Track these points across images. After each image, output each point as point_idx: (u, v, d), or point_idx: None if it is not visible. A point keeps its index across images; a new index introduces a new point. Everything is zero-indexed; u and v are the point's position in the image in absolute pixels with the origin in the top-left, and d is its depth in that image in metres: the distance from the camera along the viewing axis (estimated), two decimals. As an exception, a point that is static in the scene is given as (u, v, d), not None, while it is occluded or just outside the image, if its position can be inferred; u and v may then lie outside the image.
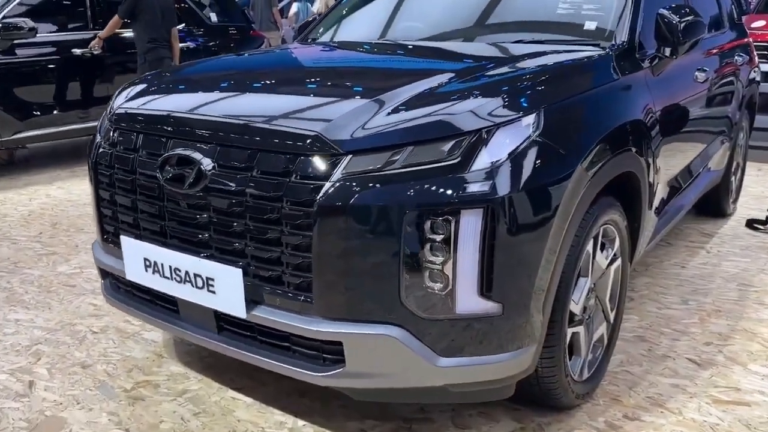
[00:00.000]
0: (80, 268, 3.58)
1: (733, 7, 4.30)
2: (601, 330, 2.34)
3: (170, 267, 1.99)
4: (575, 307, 2.08)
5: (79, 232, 4.21)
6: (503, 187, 1.70)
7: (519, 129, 1.79)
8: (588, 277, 2.15)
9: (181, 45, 7.05)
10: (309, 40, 3.28)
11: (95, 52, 5.95)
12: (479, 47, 2.65)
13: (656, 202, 2.71)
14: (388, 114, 1.80)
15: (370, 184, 1.69)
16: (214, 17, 7.65)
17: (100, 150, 2.22)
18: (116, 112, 2.23)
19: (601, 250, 2.23)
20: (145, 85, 2.38)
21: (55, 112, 5.92)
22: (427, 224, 1.68)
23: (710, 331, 2.82)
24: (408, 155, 1.71)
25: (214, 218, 1.88)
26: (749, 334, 2.78)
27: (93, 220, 2.37)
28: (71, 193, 5.24)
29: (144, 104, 2.20)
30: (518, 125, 1.80)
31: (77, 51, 5.90)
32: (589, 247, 2.10)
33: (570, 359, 2.15)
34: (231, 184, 1.83)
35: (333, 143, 1.73)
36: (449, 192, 1.68)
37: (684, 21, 2.56)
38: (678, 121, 2.87)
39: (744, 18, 4.72)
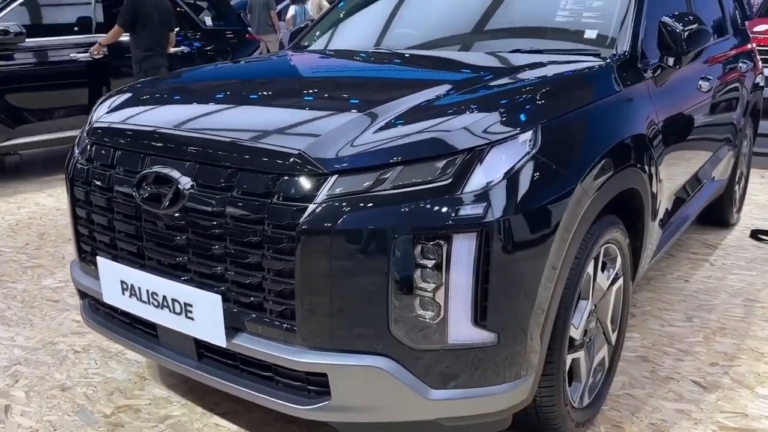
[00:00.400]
0: (65, 282, 3.47)
1: (736, 12, 4.20)
2: (603, 353, 2.23)
3: (147, 291, 1.88)
4: (575, 331, 1.98)
5: (67, 243, 4.10)
6: (498, 209, 1.60)
7: (515, 147, 1.69)
8: (588, 299, 2.04)
9: (176, 49, 6.97)
10: (302, 47, 3.17)
11: (95, 57, 5.86)
12: (475, 57, 2.54)
13: (660, 215, 2.61)
14: (377, 131, 1.70)
15: (357, 206, 1.59)
16: (209, 21, 7.55)
17: (77, 165, 2.11)
18: (94, 125, 2.13)
19: (602, 270, 2.13)
20: (125, 97, 2.28)
21: (49, 118, 5.81)
22: (418, 249, 1.58)
23: (715, 350, 2.71)
24: (397, 175, 1.61)
25: (192, 240, 1.78)
26: (756, 354, 2.68)
27: (72, 238, 2.26)
28: (60, 201, 5.14)
29: (122, 118, 2.09)
30: (514, 143, 1.69)
31: (74, 55, 5.81)
32: (590, 268, 2.00)
33: (570, 386, 2.05)
34: (210, 204, 1.72)
35: (317, 162, 1.62)
36: (441, 215, 1.57)
37: (688, 29, 2.46)
38: (682, 132, 2.77)
39: (747, 22, 4.63)
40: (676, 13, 2.56)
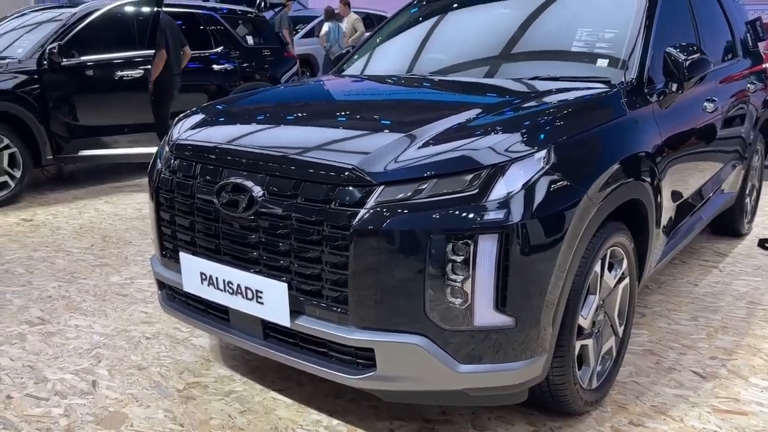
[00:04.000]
0: (131, 279, 3.89)
1: (747, 35, 4.48)
2: (610, 343, 2.55)
3: (224, 280, 2.26)
4: (584, 321, 2.30)
5: (128, 245, 4.54)
6: (516, 214, 1.94)
7: (531, 163, 2.04)
8: (596, 294, 2.36)
9: (218, 67, 7.46)
10: (353, 72, 3.54)
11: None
12: (499, 83, 2.89)
13: (666, 225, 2.92)
14: (417, 149, 2.06)
15: (400, 211, 1.95)
16: (250, 40, 8.03)
17: (162, 176, 2.51)
18: (176, 142, 2.53)
19: (609, 270, 2.45)
20: (200, 117, 2.68)
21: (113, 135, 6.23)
22: (449, 247, 1.93)
23: (716, 346, 3.00)
24: (433, 186, 1.97)
25: (263, 239, 2.16)
26: (753, 350, 2.96)
27: (153, 237, 2.66)
28: (117, 207, 5.61)
29: (201, 136, 2.49)
30: (531, 160, 2.04)
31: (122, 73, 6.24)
32: (597, 267, 2.32)
33: (580, 369, 2.37)
34: (278, 209, 2.10)
35: (368, 175, 1.99)
36: (469, 219, 1.93)
37: (690, 59, 2.78)
38: (686, 149, 3.08)
39: (761, 43, 4.89)
40: (683, 44, 2.88)
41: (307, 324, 2.11)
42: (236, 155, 2.27)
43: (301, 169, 2.11)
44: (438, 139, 2.11)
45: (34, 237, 4.78)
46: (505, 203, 1.95)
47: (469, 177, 1.97)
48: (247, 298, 2.21)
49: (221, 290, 2.28)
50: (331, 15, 11.15)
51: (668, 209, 2.92)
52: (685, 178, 3.13)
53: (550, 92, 2.57)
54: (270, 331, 2.27)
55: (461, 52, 3.25)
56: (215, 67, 7.40)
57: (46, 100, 5.76)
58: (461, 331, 1.99)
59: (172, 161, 2.50)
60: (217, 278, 2.29)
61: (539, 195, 2.01)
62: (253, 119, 2.67)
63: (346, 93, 3.09)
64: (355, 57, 3.68)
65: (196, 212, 2.35)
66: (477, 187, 1.96)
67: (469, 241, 1.92)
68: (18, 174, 5.71)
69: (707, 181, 3.54)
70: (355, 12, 12.21)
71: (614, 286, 2.50)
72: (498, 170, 1.99)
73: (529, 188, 1.99)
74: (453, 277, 1.94)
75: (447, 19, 3.52)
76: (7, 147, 5.60)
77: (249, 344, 2.32)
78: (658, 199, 2.70)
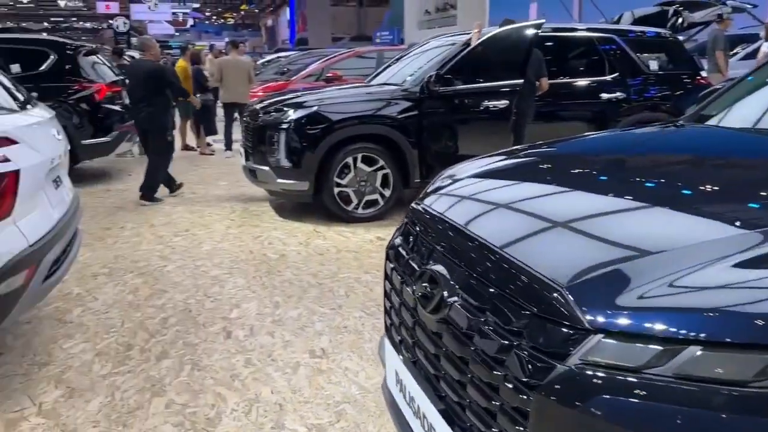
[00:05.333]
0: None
1: None
2: None
3: (409, 394, 1.74)
4: None
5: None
6: None
7: None
8: None
9: (606, 96, 6.75)
10: (702, 118, 2.56)
11: None
12: None
13: None
14: (688, 280, 1.17)
15: (618, 388, 1.12)
16: (654, 65, 7.01)
17: (394, 239, 2.10)
18: (414, 202, 2.08)
19: None
20: (457, 173, 2.17)
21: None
22: (701, 480, 1.02)
23: None
24: (690, 359, 1.07)
25: (444, 357, 1.55)
26: None
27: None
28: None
29: (434, 199, 1.99)
30: None
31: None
32: None
33: None
34: (463, 324, 1.46)
35: (577, 309, 1.20)
36: (748, 441, 0.98)
37: None
38: None
39: None
40: None
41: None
42: (442, 233, 1.71)
43: (499, 270, 1.43)
44: (738, 269, 1.17)
45: (375, 258, 4.93)
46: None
47: (764, 357, 1.02)
48: (424, 429, 1.64)
49: (407, 403, 1.76)
50: (776, 32, 9.06)
51: None
52: None
53: None
54: (450, 480, 1.64)
55: None
56: (603, 95, 6.65)
57: (421, 126, 5.96)
58: None
59: (405, 224, 2.06)
60: (406, 386, 1.77)
61: None
62: (497, 185, 2.01)
63: (656, 158, 2.13)
64: (726, 97, 2.62)
65: (403, 294, 1.86)
66: (779, 382, 0.99)
67: (742, 484, 0.98)
68: (388, 194, 6.06)
69: None
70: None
71: None
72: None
73: None
74: None
75: None
76: (381, 168, 5.99)
77: (430, 484, 1.73)
78: None
